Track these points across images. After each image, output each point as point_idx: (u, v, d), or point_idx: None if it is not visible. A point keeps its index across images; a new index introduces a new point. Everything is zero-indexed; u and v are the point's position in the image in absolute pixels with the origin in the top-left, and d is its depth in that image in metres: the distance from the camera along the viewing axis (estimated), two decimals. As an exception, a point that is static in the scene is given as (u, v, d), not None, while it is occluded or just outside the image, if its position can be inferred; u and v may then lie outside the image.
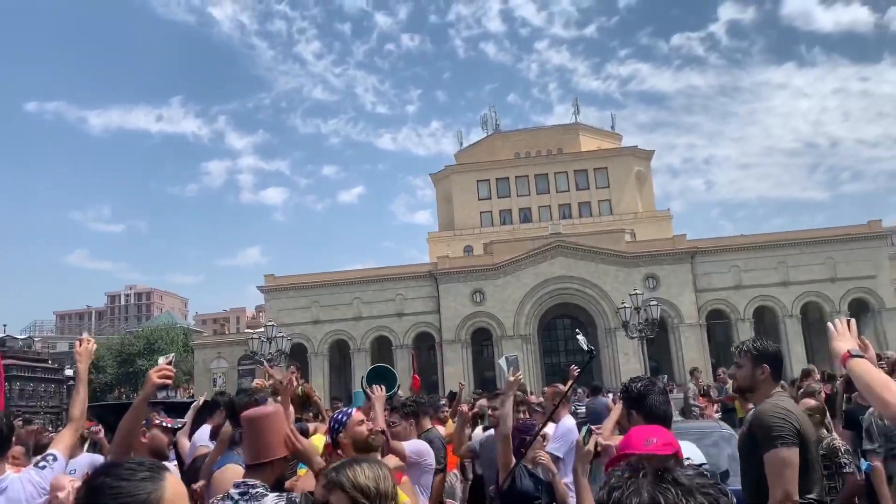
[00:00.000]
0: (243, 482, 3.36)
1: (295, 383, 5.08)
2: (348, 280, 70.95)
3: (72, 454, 4.64)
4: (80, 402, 4.21)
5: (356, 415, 4.44)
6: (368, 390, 6.17)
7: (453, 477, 8.66)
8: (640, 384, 4.34)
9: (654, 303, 37.16)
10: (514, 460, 5.58)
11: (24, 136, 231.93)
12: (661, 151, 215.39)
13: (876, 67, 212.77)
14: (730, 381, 12.31)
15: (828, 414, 10.45)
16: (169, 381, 3.68)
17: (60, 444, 3.94)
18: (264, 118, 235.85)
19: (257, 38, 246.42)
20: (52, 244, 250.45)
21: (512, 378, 5.89)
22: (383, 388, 6.00)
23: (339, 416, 4.45)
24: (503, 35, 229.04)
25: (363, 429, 4.37)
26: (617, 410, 7.48)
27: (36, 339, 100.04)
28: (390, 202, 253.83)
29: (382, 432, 4.70)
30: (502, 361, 6.39)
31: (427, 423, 7.69)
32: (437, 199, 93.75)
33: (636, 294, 36.95)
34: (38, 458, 3.88)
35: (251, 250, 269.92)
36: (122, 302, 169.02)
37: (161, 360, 3.73)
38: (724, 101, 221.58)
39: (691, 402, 16.75)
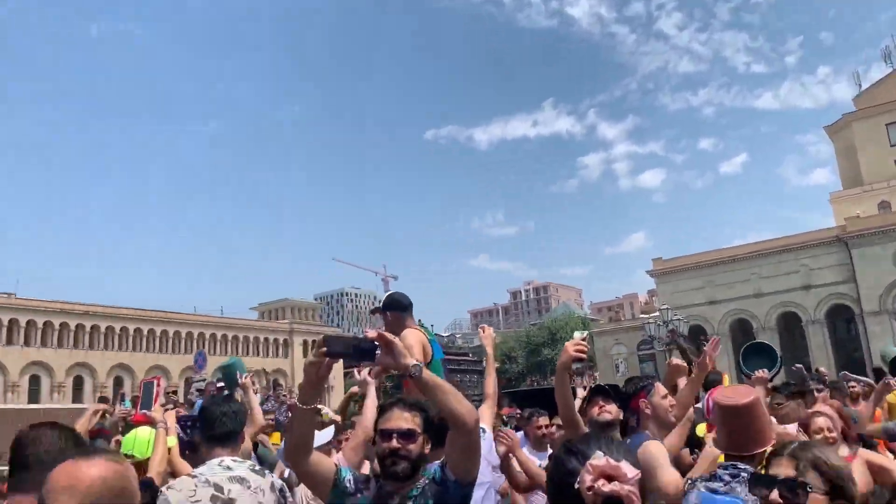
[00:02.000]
0: (731, 464, 3.06)
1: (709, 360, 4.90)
2: (742, 255, 66.78)
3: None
4: (492, 381, 4.84)
5: (660, 388, 4.23)
6: (747, 370, 5.88)
7: None
8: None
9: None
10: None
11: (424, 159, 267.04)
12: None
13: None
14: None
15: None
16: (584, 356, 3.88)
17: (484, 420, 4.34)
18: (632, 103, 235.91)
19: (616, 25, 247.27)
20: (461, 251, 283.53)
21: None
22: (765, 371, 5.64)
23: (646, 385, 4.22)
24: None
25: (666, 402, 4.16)
26: None
27: (457, 336, 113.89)
28: (778, 166, 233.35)
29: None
30: None
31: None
32: (836, 153, 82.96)
33: None
34: None
35: (635, 236, 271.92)
36: (523, 297, 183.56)
37: (577, 335, 3.96)
38: None
39: None
